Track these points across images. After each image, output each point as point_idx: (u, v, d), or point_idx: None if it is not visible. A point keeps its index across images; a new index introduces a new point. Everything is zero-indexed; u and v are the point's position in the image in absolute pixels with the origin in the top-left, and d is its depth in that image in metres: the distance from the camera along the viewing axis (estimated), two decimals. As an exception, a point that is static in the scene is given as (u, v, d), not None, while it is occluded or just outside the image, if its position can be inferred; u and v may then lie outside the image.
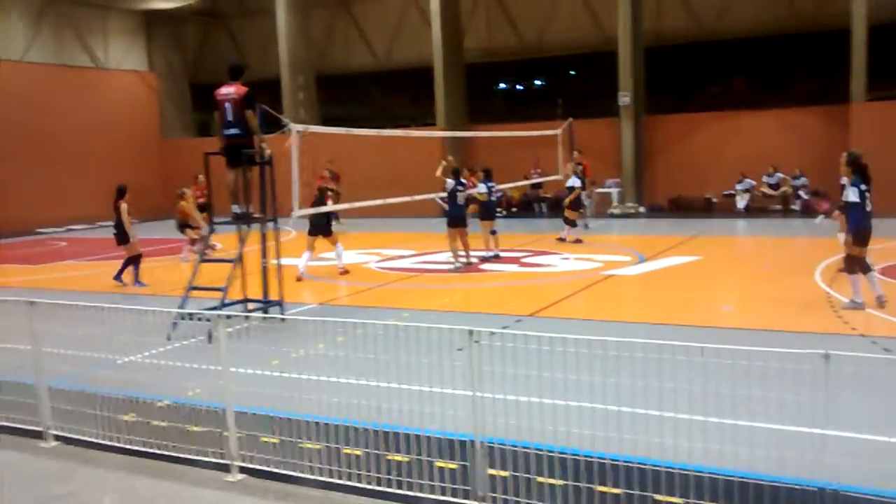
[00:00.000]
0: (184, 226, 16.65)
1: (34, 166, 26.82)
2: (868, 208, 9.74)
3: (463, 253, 14.60)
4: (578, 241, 17.40)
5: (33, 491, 5.42)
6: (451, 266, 14.34)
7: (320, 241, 14.01)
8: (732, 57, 26.44)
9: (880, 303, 9.77)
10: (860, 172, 9.83)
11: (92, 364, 6.12)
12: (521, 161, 24.59)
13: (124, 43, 32.26)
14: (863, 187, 9.75)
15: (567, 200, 17.53)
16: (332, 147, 21.47)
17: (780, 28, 24.46)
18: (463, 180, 14.89)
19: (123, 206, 14.41)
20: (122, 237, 14.31)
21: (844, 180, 10.17)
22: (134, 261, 14.25)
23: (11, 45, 28.15)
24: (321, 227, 13.90)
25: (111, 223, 14.72)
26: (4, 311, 6.65)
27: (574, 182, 17.64)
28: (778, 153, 23.27)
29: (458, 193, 14.36)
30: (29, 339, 6.27)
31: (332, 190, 18.68)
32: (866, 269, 9.81)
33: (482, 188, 15.84)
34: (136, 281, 14.17)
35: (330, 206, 16.58)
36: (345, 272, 14.09)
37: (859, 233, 9.75)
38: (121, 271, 14.27)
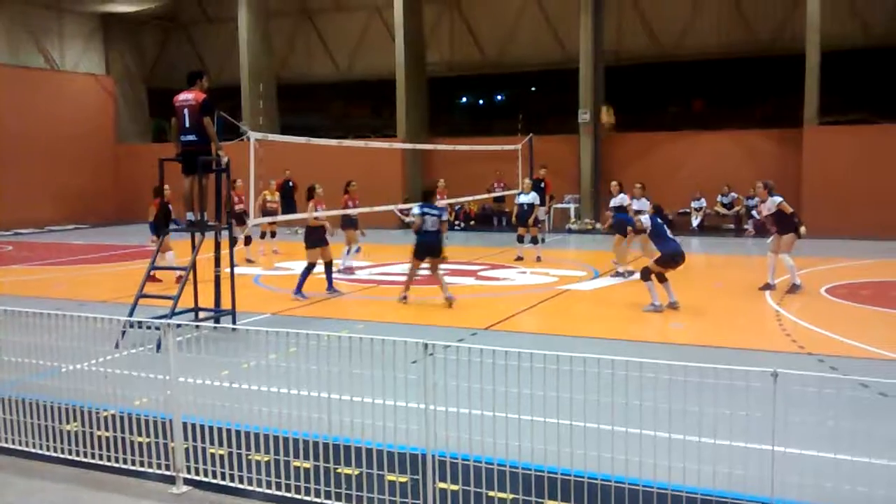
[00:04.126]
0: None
1: (-18, 168, 26.19)
2: (669, 234, 11.61)
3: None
4: (520, 258, 17.09)
5: (-32, 503, 5.24)
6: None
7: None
8: (691, 78, 26.94)
9: (674, 307, 11.44)
10: (658, 213, 11.90)
11: (35, 372, 5.94)
12: (481, 175, 24.69)
13: (80, 46, 31.71)
14: (658, 220, 11.66)
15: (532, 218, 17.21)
16: (291, 157, 21.33)
17: (738, 52, 25.04)
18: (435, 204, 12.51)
19: None
20: None
21: (644, 218, 11.93)
22: None
23: (-38, 44, 27.53)
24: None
25: (58, 228, 14.24)
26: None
27: (535, 199, 17.52)
28: (733, 174, 23.71)
29: (430, 217, 12.07)
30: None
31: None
32: (662, 279, 11.43)
33: (645, 204, 14.61)
34: None
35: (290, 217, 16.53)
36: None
37: (665, 255, 11.39)
38: None
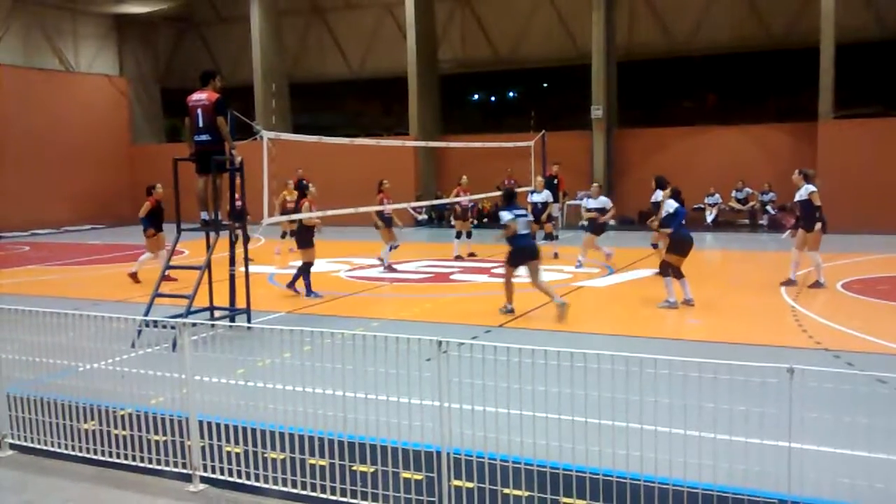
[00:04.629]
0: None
1: (-1, 169, 26.40)
2: (682, 221, 11.53)
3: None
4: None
5: (-12, 501, 5.30)
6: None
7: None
8: (704, 73, 26.82)
9: (689, 304, 11.37)
10: (676, 197, 11.71)
11: (53, 371, 5.99)
12: (494, 172, 24.64)
13: (94, 46, 31.89)
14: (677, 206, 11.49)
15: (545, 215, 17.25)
16: (304, 155, 21.36)
17: (751, 45, 24.88)
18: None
19: None
20: None
21: (669, 203, 11.68)
22: None
23: (-22, 46, 27.74)
24: None
25: (74, 229, 14.48)
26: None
27: (548, 196, 17.51)
28: (747, 168, 23.59)
29: (522, 220, 11.12)
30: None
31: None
32: (679, 275, 11.33)
33: (606, 202, 15.32)
34: None
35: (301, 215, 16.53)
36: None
37: (676, 243, 11.31)
38: None
